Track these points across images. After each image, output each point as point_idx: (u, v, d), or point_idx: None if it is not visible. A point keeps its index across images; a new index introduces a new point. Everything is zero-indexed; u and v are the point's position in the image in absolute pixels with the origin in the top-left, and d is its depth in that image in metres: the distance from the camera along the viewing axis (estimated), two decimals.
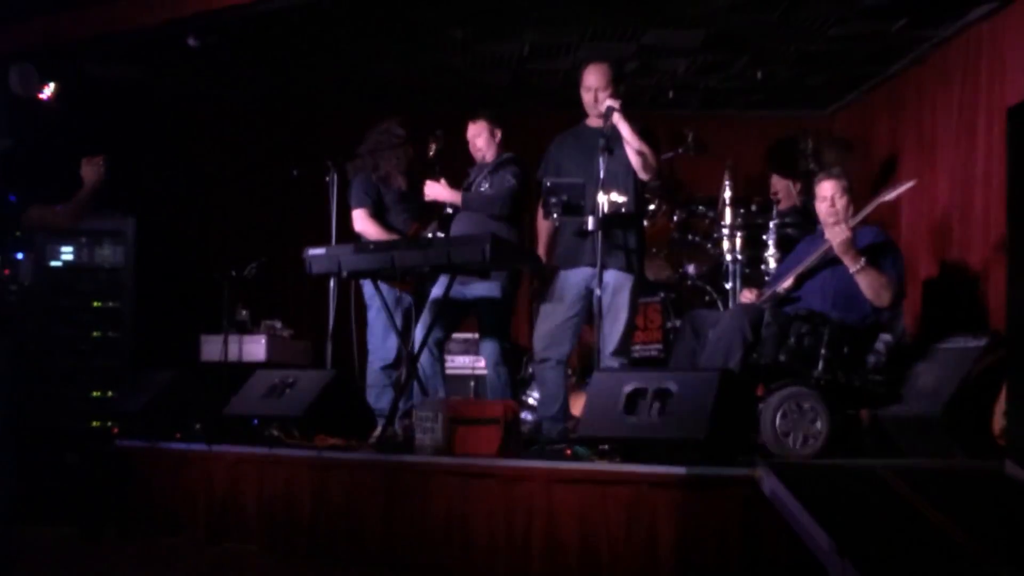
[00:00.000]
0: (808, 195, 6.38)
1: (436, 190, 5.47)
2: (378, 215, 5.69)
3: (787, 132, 7.18)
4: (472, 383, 6.83)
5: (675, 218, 6.49)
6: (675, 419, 3.91)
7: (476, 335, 5.91)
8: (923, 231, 6.38)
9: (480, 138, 5.58)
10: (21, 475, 5.95)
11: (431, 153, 5.60)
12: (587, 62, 5.16)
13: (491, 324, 5.51)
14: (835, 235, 4.61)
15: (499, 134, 5.59)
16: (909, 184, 4.86)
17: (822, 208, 4.81)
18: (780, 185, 6.68)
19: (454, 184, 5.52)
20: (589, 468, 4.00)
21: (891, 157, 6.82)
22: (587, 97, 5.09)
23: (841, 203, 4.75)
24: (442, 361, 5.62)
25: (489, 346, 5.50)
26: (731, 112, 7.85)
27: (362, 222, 5.67)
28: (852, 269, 4.58)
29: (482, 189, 5.50)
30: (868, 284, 4.58)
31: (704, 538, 3.69)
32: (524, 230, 5.63)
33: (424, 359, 5.38)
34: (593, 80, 5.06)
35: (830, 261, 4.77)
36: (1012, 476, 3.56)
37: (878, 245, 4.72)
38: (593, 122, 5.10)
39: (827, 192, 4.80)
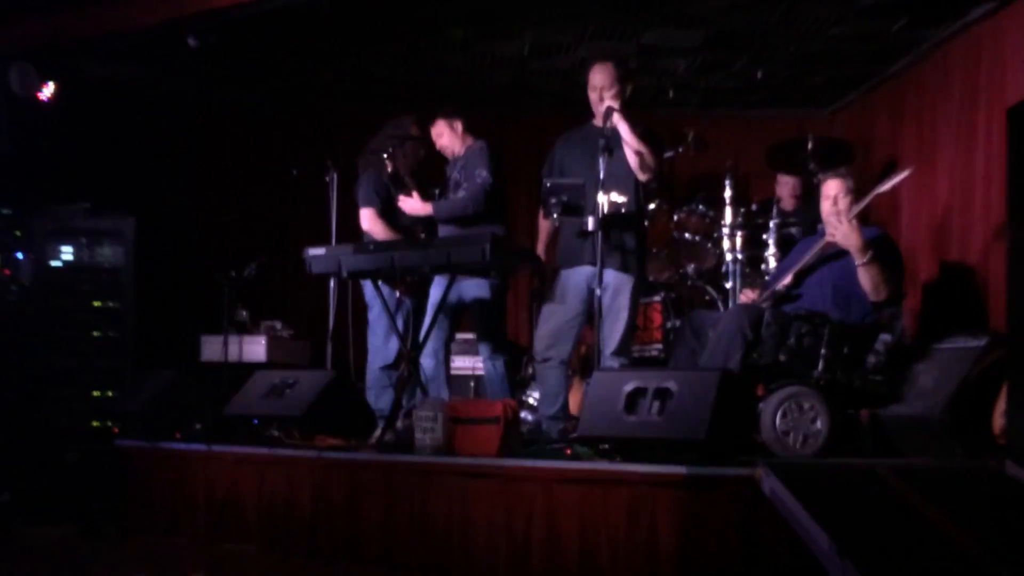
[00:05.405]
0: (811, 194, 6.39)
1: (409, 204, 5.52)
2: (386, 215, 5.68)
3: (789, 132, 7.19)
4: (472, 383, 6.83)
5: (675, 218, 6.49)
6: (675, 419, 3.91)
7: (476, 335, 5.93)
8: (923, 231, 6.38)
9: (443, 137, 5.61)
10: (21, 475, 5.98)
11: (390, 169, 5.64)
12: (593, 61, 5.15)
13: (484, 323, 5.55)
14: (837, 230, 4.62)
15: (459, 125, 5.60)
16: (904, 174, 4.86)
17: (825, 206, 4.82)
18: (786, 183, 6.69)
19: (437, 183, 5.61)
20: (589, 468, 4.00)
21: (891, 157, 6.81)
22: (593, 96, 5.07)
23: (844, 203, 4.76)
24: (447, 363, 5.63)
25: (483, 343, 5.57)
26: (731, 112, 7.85)
27: (370, 221, 5.66)
28: (859, 262, 4.58)
29: (456, 178, 5.51)
30: (870, 277, 4.58)
31: (704, 538, 3.69)
32: (508, 220, 5.65)
33: (427, 361, 5.39)
34: (599, 79, 5.05)
35: (829, 258, 4.79)
36: (1012, 476, 3.56)
37: (879, 242, 4.72)
38: (599, 122, 5.07)
39: (831, 191, 4.81)
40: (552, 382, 5.15)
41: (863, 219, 4.80)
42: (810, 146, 6.67)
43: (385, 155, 5.64)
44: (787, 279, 4.87)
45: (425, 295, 5.56)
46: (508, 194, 5.67)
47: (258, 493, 4.92)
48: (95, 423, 6.20)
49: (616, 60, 5.13)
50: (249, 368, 5.85)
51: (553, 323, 5.14)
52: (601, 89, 5.03)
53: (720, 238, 6.17)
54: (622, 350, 5.07)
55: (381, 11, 5.92)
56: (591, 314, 4.99)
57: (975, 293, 5.70)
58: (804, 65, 6.83)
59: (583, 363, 6.57)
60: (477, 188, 5.37)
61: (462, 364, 6.78)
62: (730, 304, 5.97)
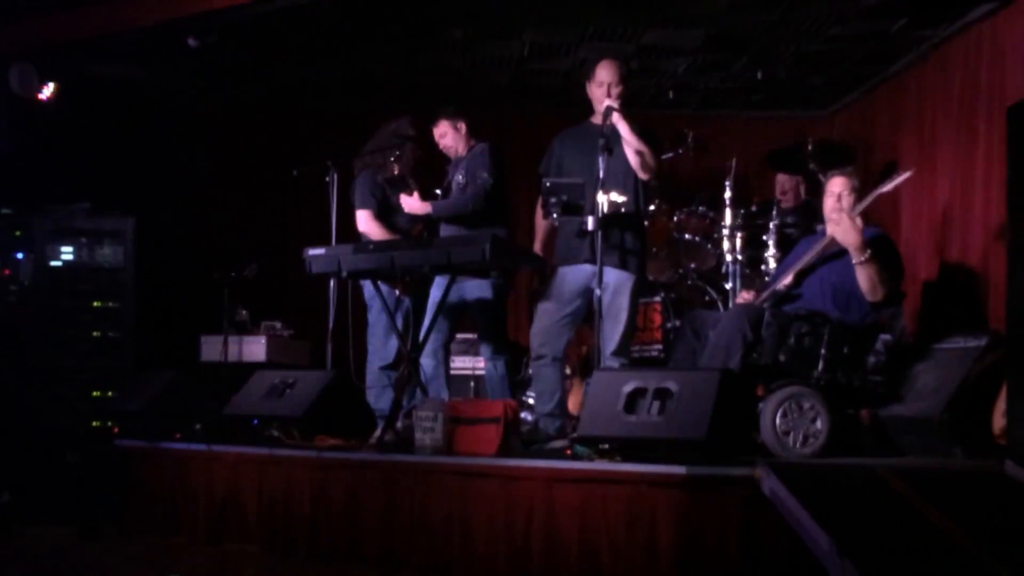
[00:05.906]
0: (813, 193, 6.40)
1: (410, 203, 5.52)
2: (383, 216, 5.68)
3: (790, 133, 7.18)
4: (472, 383, 6.83)
5: (675, 218, 6.49)
6: (675, 419, 3.91)
7: (476, 335, 5.93)
8: (923, 231, 6.38)
9: (446, 137, 5.61)
10: (21, 475, 5.98)
11: (396, 171, 5.64)
12: (600, 57, 5.15)
13: (485, 324, 5.55)
14: (838, 227, 4.62)
15: (463, 125, 5.60)
16: (906, 175, 4.85)
17: (828, 203, 4.82)
18: (788, 184, 6.69)
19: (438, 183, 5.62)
20: (589, 468, 4.00)
21: (891, 157, 6.82)
22: (599, 92, 5.07)
23: (848, 201, 4.76)
24: (447, 363, 5.63)
25: (485, 344, 5.58)
26: (731, 112, 7.85)
27: (367, 223, 5.65)
28: (856, 260, 4.58)
29: (458, 180, 5.51)
30: (867, 277, 4.58)
31: (704, 538, 3.69)
32: (511, 222, 5.65)
33: (427, 361, 5.39)
34: (606, 75, 5.05)
35: (829, 258, 4.79)
36: (1012, 476, 3.56)
37: (877, 241, 4.72)
38: (598, 119, 5.07)
39: (837, 188, 4.81)
40: (546, 380, 5.16)
41: (863, 219, 4.79)
42: (810, 147, 6.68)
43: (392, 158, 5.64)
44: (787, 279, 4.87)
45: (425, 295, 5.56)
46: (510, 195, 5.67)
47: (258, 493, 4.92)
48: (95, 423, 6.20)
49: (621, 58, 5.16)
50: (249, 368, 5.85)
51: (545, 321, 5.14)
52: (609, 85, 5.03)
53: (720, 238, 6.17)
54: (622, 350, 5.07)
55: (381, 11, 5.92)
56: (590, 313, 5.00)
57: (975, 293, 5.70)
58: (804, 65, 6.83)
59: (583, 363, 6.57)
60: (478, 188, 5.37)
61: (462, 364, 6.78)
62: (730, 304, 5.97)
